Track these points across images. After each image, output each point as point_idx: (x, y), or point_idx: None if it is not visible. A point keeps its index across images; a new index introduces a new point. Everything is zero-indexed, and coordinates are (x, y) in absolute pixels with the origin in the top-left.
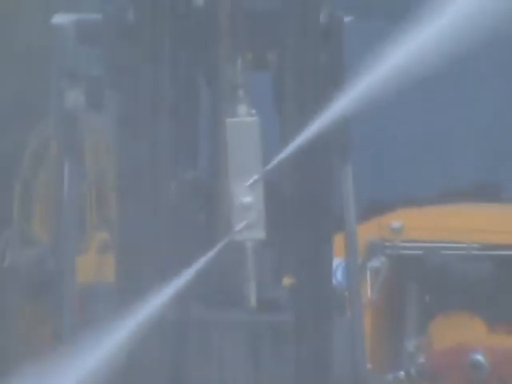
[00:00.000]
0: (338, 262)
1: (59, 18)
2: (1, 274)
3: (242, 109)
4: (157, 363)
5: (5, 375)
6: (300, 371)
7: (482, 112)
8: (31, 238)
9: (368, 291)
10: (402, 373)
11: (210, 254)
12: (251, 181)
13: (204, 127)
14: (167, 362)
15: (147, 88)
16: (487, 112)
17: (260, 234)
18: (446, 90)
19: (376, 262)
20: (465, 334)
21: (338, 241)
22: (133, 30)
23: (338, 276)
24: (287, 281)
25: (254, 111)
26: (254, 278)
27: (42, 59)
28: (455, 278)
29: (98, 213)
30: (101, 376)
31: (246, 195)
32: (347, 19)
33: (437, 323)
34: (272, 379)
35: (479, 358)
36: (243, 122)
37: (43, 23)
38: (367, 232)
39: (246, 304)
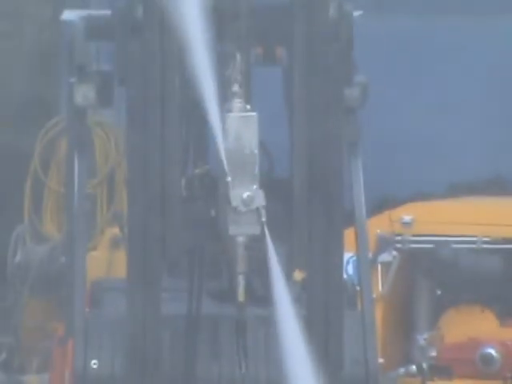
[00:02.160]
0: (348, 257)
1: (69, 14)
2: (12, 270)
3: (237, 104)
4: (165, 359)
5: (16, 368)
6: (311, 365)
7: (491, 107)
8: (42, 234)
9: (379, 285)
10: (413, 366)
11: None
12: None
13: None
14: (176, 357)
15: (156, 83)
16: (497, 107)
17: (255, 229)
18: (456, 86)
19: (387, 256)
20: (476, 327)
21: (349, 235)
22: (142, 26)
23: (349, 270)
24: (298, 275)
25: (248, 106)
26: (244, 273)
27: (52, 55)
28: (466, 272)
29: (108, 208)
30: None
31: (243, 190)
32: (356, 13)
33: (448, 317)
34: (282, 373)
35: (490, 351)
36: (239, 116)
37: (53, 19)
38: (378, 226)
39: (235, 298)
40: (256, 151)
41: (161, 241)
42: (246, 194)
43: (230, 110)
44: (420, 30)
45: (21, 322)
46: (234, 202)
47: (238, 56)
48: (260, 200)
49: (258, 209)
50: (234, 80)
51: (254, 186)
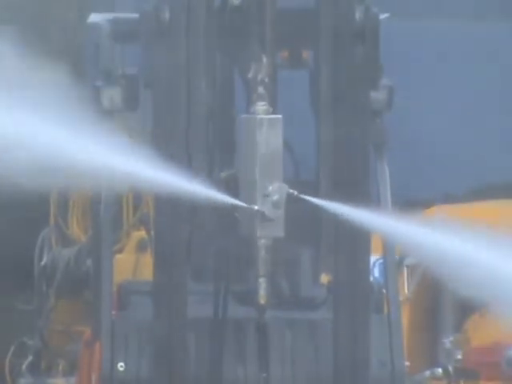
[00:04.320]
0: (375, 259)
1: (96, 17)
2: (39, 273)
3: (262, 106)
4: (191, 361)
5: (43, 371)
6: (338, 368)
7: None
8: (68, 236)
9: (405, 288)
10: (439, 369)
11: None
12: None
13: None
14: (202, 360)
15: (183, 86)
16: None
17: (279, 231)
18: (481, 92)
19: (413, 259)
20: (502, 330)
21: (375, 238)
22: (168, 29)
23: (375, 273)
24: (325, 278)
25: (271, 109)
26: (266, 275)
27: (78, 58)
28: None
29: (134, 211)
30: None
31: (266, 193)
32: (383, 16)
33: (474, 320)
34: (310, 376)
35: None
36: (264, 119)
37: (79, 22)
38: None
39: (256, 301)
40: (281, 154)
41: (187, 244)
42: (275, 197)
43: (254, 113)
44: (446, 33)
45: (47, 324)
46: (265, 207)
47: (265, 59)
48: (285, 189)
49: (288, 194)
50: (260, 83)
51: (278, 184)
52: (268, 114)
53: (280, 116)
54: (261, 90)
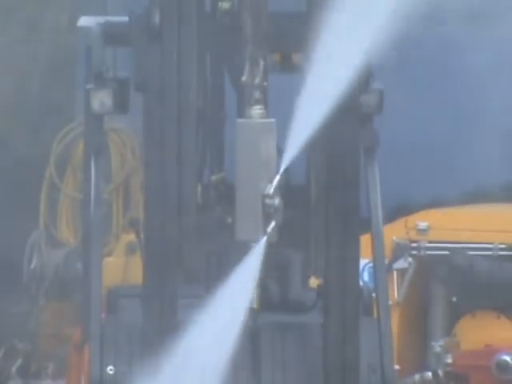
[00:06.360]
0: (364, 263)
1: (86, 20)
2: (28, 276)
3: (257, 110)
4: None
5: (32, 374)
6: (327, 372)
7: (508, 114)
8: (58, 239)
9: (394, 292)
10: (428, 373)
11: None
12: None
13: (230, 129)
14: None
15: (173, 89)
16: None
17: (273, 236)
18: (471, 93)
19: (402, 263)
20: (492, 334)
21: (365, 242)
22: (159, 32)
23: (365, 277)
24: (314, 282)
25: (265, 112)
26: (257, 280)
27: (69, 61)
28: (482, 279)
29: (124, 214)
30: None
31: (257, 197)
32: None
33: (464, 324)
34: (300, 379)
35: (506, 358)
36: (254, 123)
37: (70, 26)
38: (394, 233)
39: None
40: (275, 157)
41: (177, 247)
42: (276, 201)
43: (251, 117)
44: (438, 38)
45: (36, 327)
46: (267, 211)
47: (262, 62)
48: (275, 207)
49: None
50: (257, 87)
51: (272, 188)
52: (264, 117)
53: (274, 120)
54: (257, 94)
